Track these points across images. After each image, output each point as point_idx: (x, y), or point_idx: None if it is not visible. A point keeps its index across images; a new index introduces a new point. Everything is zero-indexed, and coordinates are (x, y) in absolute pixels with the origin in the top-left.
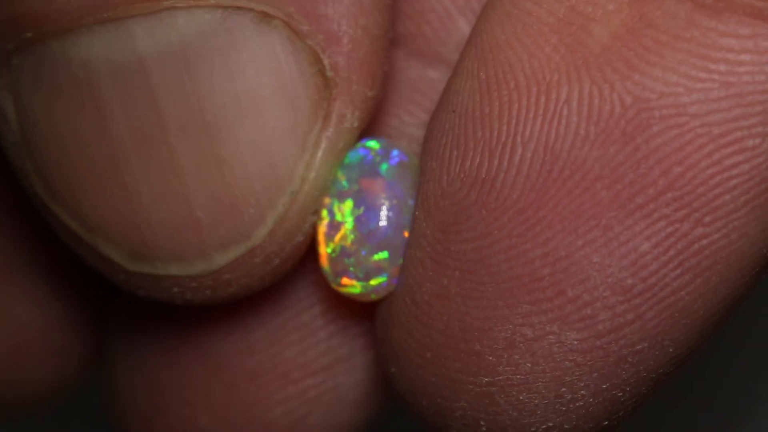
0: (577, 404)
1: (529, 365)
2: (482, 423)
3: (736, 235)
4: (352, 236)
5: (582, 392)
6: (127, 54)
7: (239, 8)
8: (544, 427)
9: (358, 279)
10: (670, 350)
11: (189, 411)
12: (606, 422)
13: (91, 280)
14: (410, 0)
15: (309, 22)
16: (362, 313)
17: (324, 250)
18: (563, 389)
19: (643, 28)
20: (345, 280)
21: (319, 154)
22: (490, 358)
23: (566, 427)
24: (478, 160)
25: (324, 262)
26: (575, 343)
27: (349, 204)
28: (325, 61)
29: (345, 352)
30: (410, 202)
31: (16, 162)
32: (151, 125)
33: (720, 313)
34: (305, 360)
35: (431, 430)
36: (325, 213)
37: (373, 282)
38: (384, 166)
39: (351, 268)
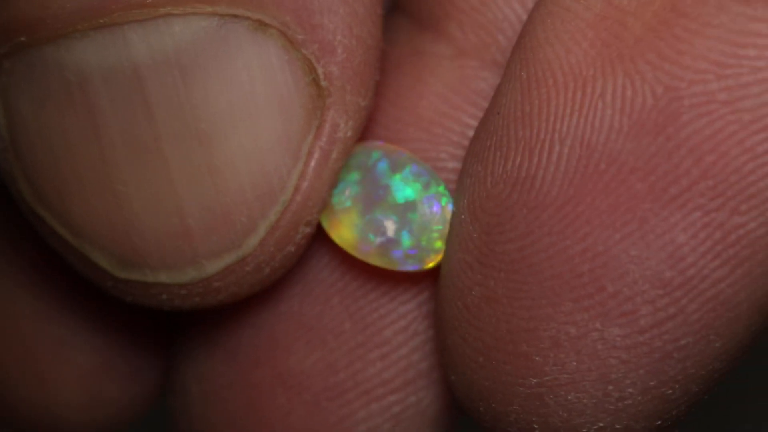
0: (626, 402)
1: (575, 364)
2: (535, 426)
3: None
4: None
5: (629, 390)
6: (121, 60)
7: (235, 17)
8: (595, 427)
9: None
10: (717, 345)
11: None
12: (659, 422)
13: None
14: (483, 10)
15: (304, 32)
16: None
17: None
18: (610, 387)
19: (675, 17)
20: None
21: (312, 163)
22: (537, 358)
23: (617, 426)
24: (519, 159)
25: None
26: (618, 339)
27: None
28: (319, 71)
29: (425, 367)
30: (449, 207)
31: (3, 166)
32: (143, 132)
33: (766, 306)
34: (387, 377)
35: None
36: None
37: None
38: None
39: None
